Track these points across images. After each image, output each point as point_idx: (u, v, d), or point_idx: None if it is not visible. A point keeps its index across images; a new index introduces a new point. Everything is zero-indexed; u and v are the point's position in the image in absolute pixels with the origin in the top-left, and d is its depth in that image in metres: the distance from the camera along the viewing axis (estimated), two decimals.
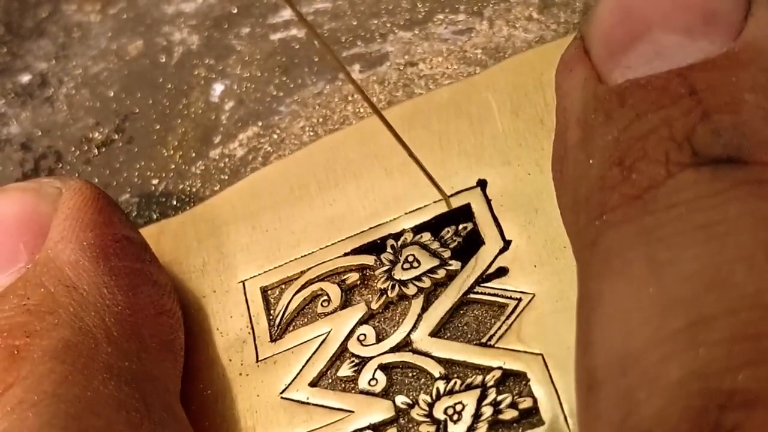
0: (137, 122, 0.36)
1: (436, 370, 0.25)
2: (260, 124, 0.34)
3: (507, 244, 0.26)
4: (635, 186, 0.20)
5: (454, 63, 0.33)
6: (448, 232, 0.27)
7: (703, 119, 0.20)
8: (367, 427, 0.25)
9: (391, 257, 0.27)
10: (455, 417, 0.24)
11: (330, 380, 0.26)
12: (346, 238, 0.28)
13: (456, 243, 0.27)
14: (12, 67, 0.40)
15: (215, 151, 0.34)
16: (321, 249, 0.28)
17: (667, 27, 0.21)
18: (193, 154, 0.34)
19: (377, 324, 0.27)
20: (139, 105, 0.37)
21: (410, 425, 0.24)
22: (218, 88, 0.36)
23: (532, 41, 0.32)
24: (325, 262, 0.28)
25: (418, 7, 0.35)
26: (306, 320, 0.28)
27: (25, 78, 0.40)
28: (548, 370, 0.23)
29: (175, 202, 0.33)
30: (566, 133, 0.22)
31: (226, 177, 0.33)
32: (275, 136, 0.34)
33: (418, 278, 0.27)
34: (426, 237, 0.27)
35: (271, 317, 0.28)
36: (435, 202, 0.28)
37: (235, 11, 0.38)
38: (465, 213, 0.27)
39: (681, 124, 0.20)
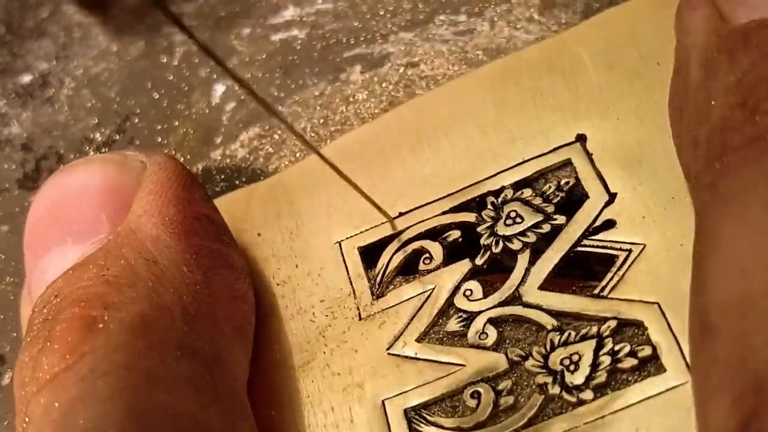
0: (138, 123, 0.36)
1: (548, 322, 0.25)
2: (261, 125, 0.34)
3: (612, 196, 0.26)
4: (758, 127, 0.20)
5: (455, 64, 0.33)
6: (550, 187, 0.27)
7: None
8: (481, 380, 0.25)
9: (492, 214, 0.27)
10: (572, 367, 0.24)
11: (438, 335, 0.26)
12: (445, 196, 0.28)
13: (559, 198, 0.27)
14: (13, 68, 0.40)
15: (216, 151, 0.34)
16: (418, 208, 0.28)
17: None
18: (194, 155, 0.35)
19: (483, 279, 0.26)
20: (140, 105, 0.37)
21: (525, 376, 0.24)
22: (219, 89, 0.36)
23: (533, 42, 0.32)
24: (423, 220, 0.28)
25: (419, 8, 0.35)
26: (408, 278, 0.27)
27: (26, 78, 0.40)
28: (666, 319, 0.23)
29: None
30: (687, 73, 0.22)
31: (227, 177, 0.33)
32: (276, 137, 0.34)
33: (522, 233, 0.26)
34: (527, 193, 0.27)
35: (371, 276, 0.28)
36: (534, 158, 0.28)
37: (237, 11, 0.38)
38: (566, 168, 0.27)
39: None
